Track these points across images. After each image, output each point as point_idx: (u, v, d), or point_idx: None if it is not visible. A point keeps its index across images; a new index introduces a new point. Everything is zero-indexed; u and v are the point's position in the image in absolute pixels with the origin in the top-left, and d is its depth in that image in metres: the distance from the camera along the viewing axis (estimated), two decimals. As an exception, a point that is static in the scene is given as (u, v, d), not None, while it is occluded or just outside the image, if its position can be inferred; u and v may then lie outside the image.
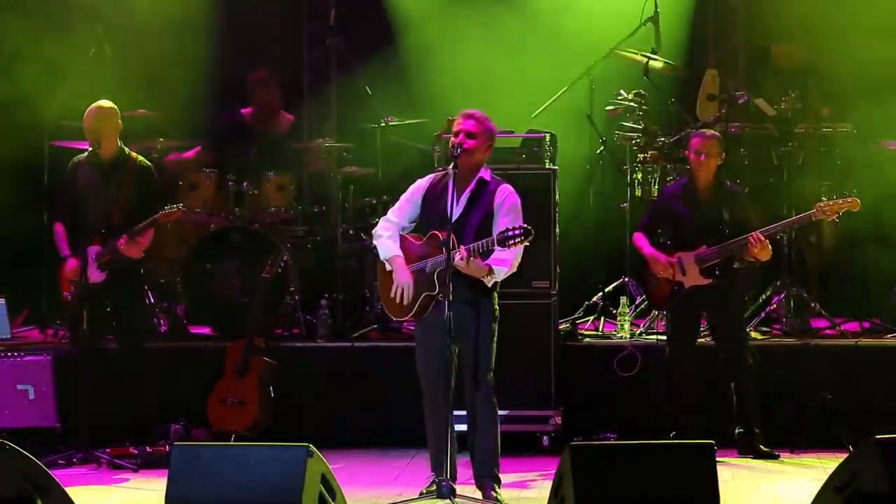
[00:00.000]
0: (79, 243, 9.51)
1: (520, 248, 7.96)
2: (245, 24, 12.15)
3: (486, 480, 8.20)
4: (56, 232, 9.71)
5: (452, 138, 8.17)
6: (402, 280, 8.13)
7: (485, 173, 8.19)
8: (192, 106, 11.76)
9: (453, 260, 7.86)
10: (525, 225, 7.86)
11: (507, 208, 8.06)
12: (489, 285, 8.07)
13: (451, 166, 8.12)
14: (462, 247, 7.90)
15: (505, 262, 7.99)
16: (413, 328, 10.44)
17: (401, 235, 8.26)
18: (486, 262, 7.98)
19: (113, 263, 9.49)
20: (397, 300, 8.15)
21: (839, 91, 11.04)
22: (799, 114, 10.81)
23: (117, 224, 9.52)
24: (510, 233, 7.82)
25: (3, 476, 6.19)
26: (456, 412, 8.31)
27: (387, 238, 8.24)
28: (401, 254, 8.18)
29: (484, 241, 7.94)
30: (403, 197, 8.36)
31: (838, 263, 11.14)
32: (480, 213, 8.08)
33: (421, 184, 8.32)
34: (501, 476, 8.36)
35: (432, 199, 8.19)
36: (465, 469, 8.48)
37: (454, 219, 8.02)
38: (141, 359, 9.68)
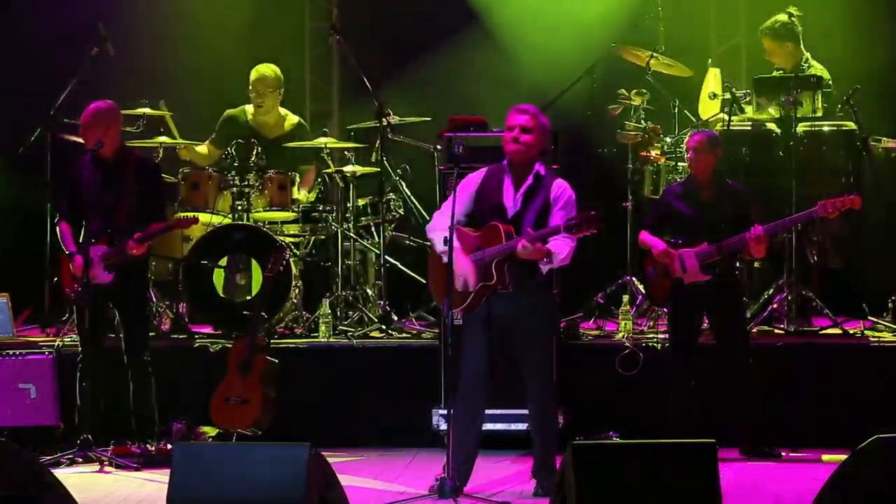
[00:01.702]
0: (82, 242, 9.49)
1: (574, 242, 8.06)
2: (247, 21, 12.16)
3: (544, 475, 8.36)
4: (61, 231, 9.69)
5: (506, 133, 8.20)
6: (463, 267, 8.16)
7: (540, 167, 8.27)
8: (194, 104, 11.77)
9: (506, 254, 8.01)
10: (595, 211, 7.97)
11: (564, 203, 8.15)
12: (544, 271, 8.12)
13: (504, 161, 8.19)
14: (523, 239, 7.97)
15: (563, 248, 8.07)
16: (416, 327, 10.56)
17: (457, 228, 8.28)
18: (546, 245, 8.07)
19: (120, 264, 9.51)
20: (459, 288, 8.16)
21: (842, 89, 11.03)
22: (800, 112, 10.79)
23: (123, 225, 9.52)
24: (576, 220, 7.93)
25: (6, 475, 6.19)
26: (446, 411, 8.40)
27: (439, 229, 8.26)
28: (457, 243, 8.20)
29: (549, 228, 8.02)
30: (457, 190, 8.37)
31: (840, 262, 11.13)
32: (537, 207, 8.16)
33: (475, 177, 8.37)
34: (502, 474, 8.39)
35: (486, 193, 8.26)
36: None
37: (512, 213, 8.12)
38: (146, 358, 9.68)
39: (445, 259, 8.18)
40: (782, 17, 11.01)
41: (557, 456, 8.23)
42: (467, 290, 8.18)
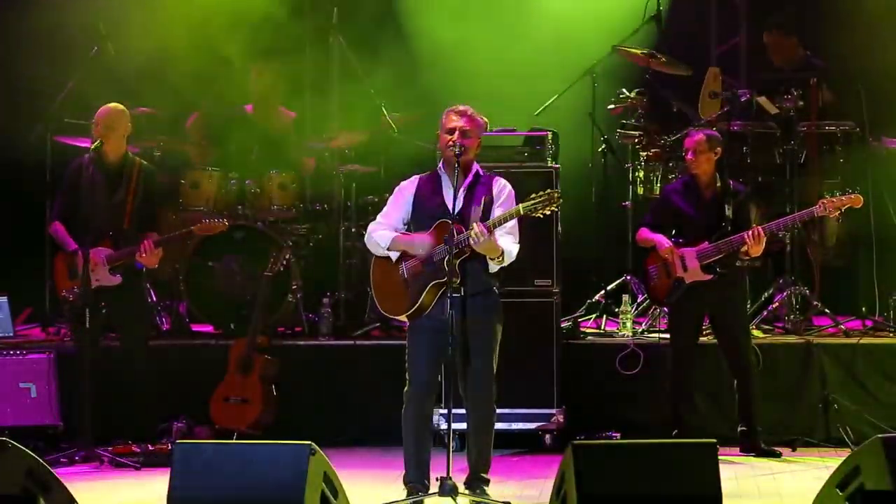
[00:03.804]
0: (82, 243, 9.49)
1: (517, 244, 7.98)
2: (247, 21, 12.16)
3: (478, 485, 8.12)
4: (57, 230, 9.70)
5: (445, 135, 8.14)
6: (419, 241, 8.02)
7: (477, 167, 8.22)
8: (193, 104, 11.77)
9: (461, 246, 7.86)
10: (551, 189, 7.90)
11: (505, 197, 8.08)
12: (493, 270, 8.05)
13: (441, 164, 8.14)
14: (479, 223, 7.87)
15: (512, 247, 7.97)
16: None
17: (401, 233, 8.19)
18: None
19: (124, 267, 9.53)
20: (422, 254, 8.00)
21: (842, 89, 11.04)
22: (801, 112, 10.81)
23: (127, 229, 9.56)
24: (537, 197, 7.83)
25: (6, 474, 6.19)
26: (445, 411, 8.27)
27: (381, 231, 8.14)
28: (398, 234, 8.10)
29: (502, 214, 7.92)
30: (392, 199, 8.28)
31: (841, 261, 11.15)
32: (480, 203, 8.05)
33: (409, 185, 8.25)
34: (502, 474, 8.34)
35: (426, 197, 8.15)
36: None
37: (456, 211, 8.01)
38: (145, 357, 9.69)
39: (394, 257, 8.09)
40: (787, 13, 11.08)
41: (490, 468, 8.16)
42: (416, 293, 8.09)
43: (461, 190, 8.08)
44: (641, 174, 11.01)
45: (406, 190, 8.23)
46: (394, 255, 8.10)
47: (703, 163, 9.52)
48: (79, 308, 9.43)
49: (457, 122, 8.11)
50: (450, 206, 8.00)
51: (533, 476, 9.03)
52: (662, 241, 9.53)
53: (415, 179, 8.27)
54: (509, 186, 8.15)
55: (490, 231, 7.84)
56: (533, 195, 7.90)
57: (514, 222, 7.99)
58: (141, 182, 9.68)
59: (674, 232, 9.61)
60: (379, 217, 8.26)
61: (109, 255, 9.52)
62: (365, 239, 8.28)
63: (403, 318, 8.23)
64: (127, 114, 9.73)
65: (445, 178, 8.09)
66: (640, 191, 10.98)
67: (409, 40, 11.93)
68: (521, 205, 7.90)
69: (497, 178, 8.20)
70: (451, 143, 8.06)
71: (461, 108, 8.20)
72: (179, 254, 10.82)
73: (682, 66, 11.23)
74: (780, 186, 10.75)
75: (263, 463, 6.40)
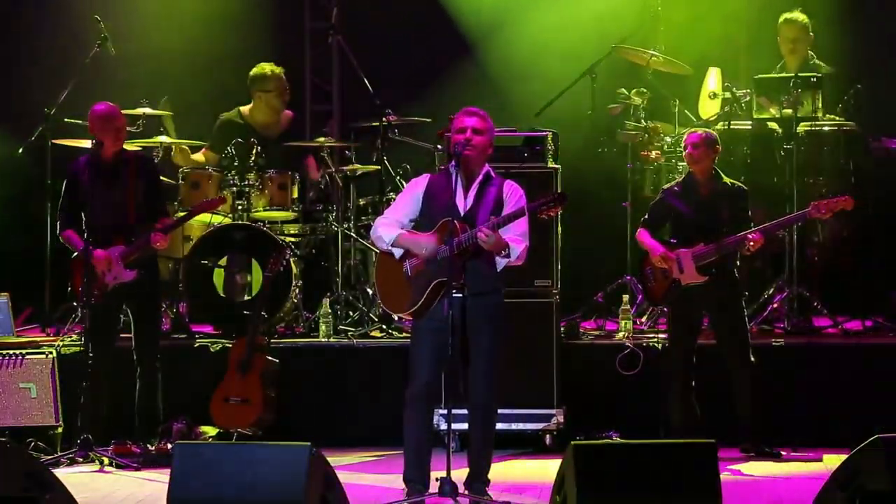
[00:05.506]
0: (87, 244, 9.47)
1: (526, 243, 7.99)
2: (247, 21, 12.17)
3: (478, 486, 8.10)
4: (68, 237, 9.61)
5: (457, 135, 8.12)
6: (425, 242, 8.00)
7: (489, 169, 8.19)
8: (193, 104, 11.77)
9: (465, 244, 7.85)
10: (560, 191, 7.90)
11: (516, 200, 8.06)
12: (500, 266, 8.03)
13: (452, 163, 8.11)
14: (483, 225, 7.88)
15: (518, 246, 7.95)
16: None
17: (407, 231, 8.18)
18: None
19: (140, 261, 9.52)
20: (424, 255, 7.98)
21: (842, 89, 11.04)
22: (801, 112, 10.80)
23: (133, 224, 9.55)
24: (544, 198, 7.84)
25: (6, 475, 6.20)
26: (445, 411, 8.27)
27: (387, 226, 8.11)
28: (412, 235, 8.08)
29: (509, 213, 7.92)
30: (401, 195, 8.28)
31: (840, 262, 11.14)
32: (490, 205, 8.04)
33: (420, 181, 8.24)
34: (503, 474, 8.37)
35: (436, 195, 8.13)
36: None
37: (464, 211, 8.02)
38: (157, 357, 9.67)
39: (398, 255, 8.07)
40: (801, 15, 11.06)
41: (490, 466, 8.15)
42: (419, 291, 8.10)
43: (472, 191, 8.07)
44: (641, 175, 11.00)
45: (417, 187, 8.21)
46: (397, 252, 8.08)
47: (704, 158, 9.50)
48: (96, 308, 9.42)
49: (469, 121, 8.11)
50: (459, 207, 8.00)
51: (533, 476, 9.03)
52: (655, 247, 9.52)
53: (426, 177, 8.26)
54: (521, 191, 8.13)
55: (494, 229, 7.84)
56: (542, 197, 7.90)
57: (525, 224, 7.97)
58: (142, 175, 9.68)
59: (671, 232, 9.61)
60: (386, 212, 8.27)
61: (123, 252, 9.50)
62: (370, 232, 8.27)
63: (406, 315, 8.24)
64: (120, 112, 9.71)
65: (457, 178, 8.07)
66: (640, 191, 10.97)
67: (409, 40, 11.95)
68: (527, 205, 7.90)
69: (508, 181, 8.18)
70: (462, 141, 8.04)
71: (472, 108, 8.21)
72: (180, 254, 10.82)
73: (682, 66, 11.22)
74: (779, 187, 10.75)
75: (263, 463, 6.40)
